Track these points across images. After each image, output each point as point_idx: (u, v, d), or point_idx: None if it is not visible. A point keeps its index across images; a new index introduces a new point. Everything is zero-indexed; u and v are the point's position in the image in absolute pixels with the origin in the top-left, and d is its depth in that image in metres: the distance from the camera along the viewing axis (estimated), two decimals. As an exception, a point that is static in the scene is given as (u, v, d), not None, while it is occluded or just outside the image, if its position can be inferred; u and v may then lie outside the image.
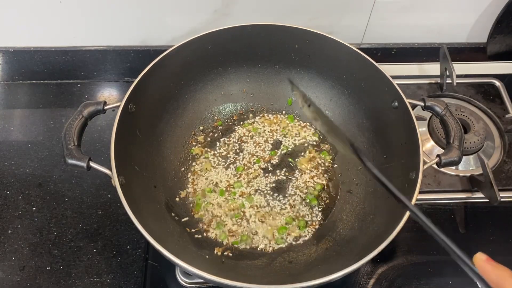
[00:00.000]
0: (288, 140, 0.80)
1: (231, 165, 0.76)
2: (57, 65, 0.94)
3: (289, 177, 0.75)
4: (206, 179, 0.74)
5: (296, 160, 0.77)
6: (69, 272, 0.68)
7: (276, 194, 0.73)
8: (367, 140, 0.75)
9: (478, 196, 0.76)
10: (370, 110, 0.74)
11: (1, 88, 0.91)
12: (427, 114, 0.84)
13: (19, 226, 0.72)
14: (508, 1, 0.89)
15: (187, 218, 0.70)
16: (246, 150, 0.78)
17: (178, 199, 0.72)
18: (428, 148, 0.81)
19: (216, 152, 0.78)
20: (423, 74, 0.93)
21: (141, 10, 0.89)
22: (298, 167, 0.76)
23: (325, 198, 0.73)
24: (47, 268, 0.68)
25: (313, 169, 0.76)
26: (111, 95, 0.91)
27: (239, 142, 0.79)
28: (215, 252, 0.66)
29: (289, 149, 0.79)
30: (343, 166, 0.76)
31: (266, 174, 0.75)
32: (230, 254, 0.66)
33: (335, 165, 0.77)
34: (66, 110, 0.87)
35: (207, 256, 0.64)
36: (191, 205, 0.72)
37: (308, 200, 0.73)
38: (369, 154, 0.74)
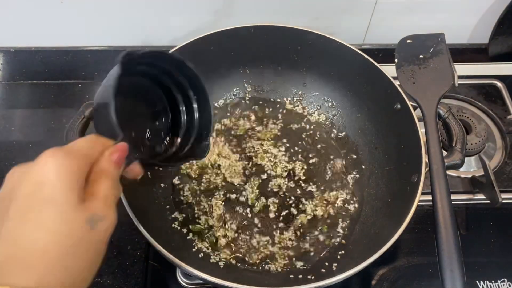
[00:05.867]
0: (289, 141, 0.79)
1: (232, 166, 0.76)
2: (58, 65, 0.94)
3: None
4: (206, 179, 0.74)
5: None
6: (70, 273, 0.68)
7: (276, 196, 0.73)
8: (369, 143, 0.75)
9: (480, 197, 0.76)
10: (372, 112, 0.74)
11: (2, 88, 0.91)
12: (429, 116, 0.84)
13: (20, 226, 0.72)
14: (510, 2, 0.89)
15: (188, 219, 0.69)
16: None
17: (179, 200, 0.72)
18: (430, 150, 0.81)
19: (216, 152, 0.77)
20: (425, 75, 0.92)
21: (142, 10, 0.88)
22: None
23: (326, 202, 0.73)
24: (48, 269, 0.68)
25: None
26: (112, 95, 0.91)
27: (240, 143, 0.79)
28: (216, 253, 0.66)
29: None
30: (344, 167, 0.76)
31: (268, 177, 0.75)
32: (231, 255, 0.66)
33: (337, 167, 0.77)
34: (67, 110, 0.87)
35: (207, 258, 0.64)
36: (193, 205, 0.72)
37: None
38: (371, 156, 0.74)
